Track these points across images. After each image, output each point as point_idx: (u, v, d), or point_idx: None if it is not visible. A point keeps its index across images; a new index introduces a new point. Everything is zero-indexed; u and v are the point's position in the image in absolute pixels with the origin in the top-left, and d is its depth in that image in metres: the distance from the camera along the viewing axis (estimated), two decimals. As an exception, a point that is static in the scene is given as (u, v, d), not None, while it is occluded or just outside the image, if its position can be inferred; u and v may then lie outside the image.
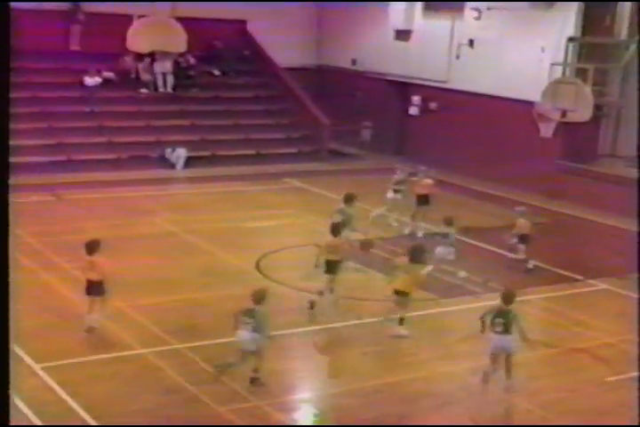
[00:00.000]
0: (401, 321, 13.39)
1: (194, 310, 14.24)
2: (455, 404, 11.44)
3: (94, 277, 12.75)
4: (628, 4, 22.08)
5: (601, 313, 15.18)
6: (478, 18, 26.13)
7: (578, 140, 23.93)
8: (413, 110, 28.98)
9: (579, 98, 22.10)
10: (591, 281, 16.75)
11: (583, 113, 22.29)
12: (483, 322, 11.46)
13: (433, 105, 28.32)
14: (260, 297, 11.22)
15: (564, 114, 22.59)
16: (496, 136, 25.38)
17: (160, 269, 16.29)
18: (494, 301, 15.41)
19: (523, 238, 17.09)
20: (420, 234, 19.03)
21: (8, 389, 5.49)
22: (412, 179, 20.06)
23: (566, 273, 16.52)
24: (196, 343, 12.77)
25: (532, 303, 15.47)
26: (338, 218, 16.03)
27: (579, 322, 14.61)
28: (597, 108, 22.94)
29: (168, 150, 25.93)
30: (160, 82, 28.24)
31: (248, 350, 11.24)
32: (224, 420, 10.57)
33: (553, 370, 12.72)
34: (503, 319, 11.25)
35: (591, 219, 21.51)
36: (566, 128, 23.35)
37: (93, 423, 10.15)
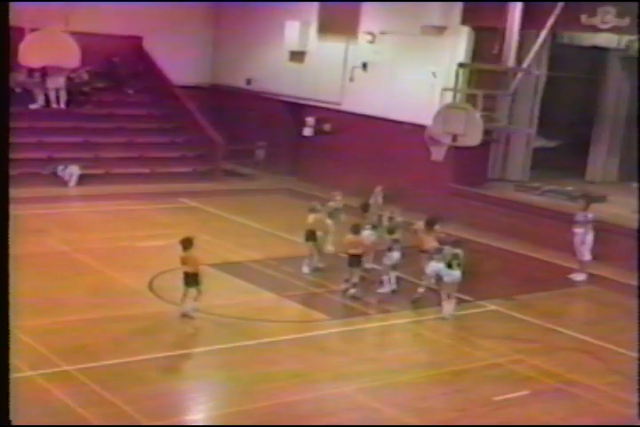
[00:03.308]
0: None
1: (84, 331, 14.00)
2: (344, 424, 11.53)
3: (190, 269, 14.57)
4: (516, 33, 22.72)
5: (489, 334, 15.51)
6: (372, 41, 26.56)
7: (468, 164, 24.45)
8: (307, 131, 29.14)
9: (469, 123, 22.57)
10: (480, 302, 17.09)
11: (473, 138, 22.75)
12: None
13: (327, 126, 28.56)
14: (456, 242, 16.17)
15: (454, 138, 23.01)
16: (388, 159, 25.73)
17: (50, 289, 15.99)
18: (386, 321, 15.87)
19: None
20: (320, 265, 18.62)
21: (8, 389, 5.38)
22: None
23: (455, 294, 16.75)
24: (86, 365, 12.56)
25: (422, 324, 15.75)
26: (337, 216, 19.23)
27: (467, 342, 14.89)
28: (487, 133, 23.45)
29: (60, 167, 25.55)
30: (53, 97, 27.83)
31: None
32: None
33: (441, 390, 12.89)
34: (458, 260, 15.58)
35: (480, 241, 21.97)
36: (457, 152, 23.82)
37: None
